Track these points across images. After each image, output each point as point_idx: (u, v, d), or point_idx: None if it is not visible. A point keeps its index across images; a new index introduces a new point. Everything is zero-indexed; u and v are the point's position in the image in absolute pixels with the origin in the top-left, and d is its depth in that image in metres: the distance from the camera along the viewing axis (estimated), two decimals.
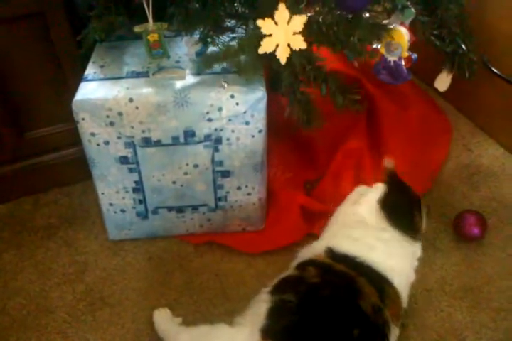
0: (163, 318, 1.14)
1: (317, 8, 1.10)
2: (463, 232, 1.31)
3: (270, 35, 1.02)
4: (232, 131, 1.14)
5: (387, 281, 1.02)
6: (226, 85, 1.08)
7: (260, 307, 0.98)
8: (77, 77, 1.14)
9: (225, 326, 0.99)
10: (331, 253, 1.04)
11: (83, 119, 1.09)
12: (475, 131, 1.64)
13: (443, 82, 1.32)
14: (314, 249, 1.08)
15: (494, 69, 1.46)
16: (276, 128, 1.32)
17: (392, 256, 1.04)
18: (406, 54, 1.20)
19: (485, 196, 1.44)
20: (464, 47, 1.29)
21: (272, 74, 1.31)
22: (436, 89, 1.39)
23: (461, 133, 1.63)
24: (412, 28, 1.23)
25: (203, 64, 1.08)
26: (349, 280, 1.00)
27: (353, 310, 0.96)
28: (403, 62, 1.22)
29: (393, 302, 1.02)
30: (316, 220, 1.34)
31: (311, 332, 0.93)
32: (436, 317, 1.17)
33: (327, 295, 0.97)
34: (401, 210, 1.08)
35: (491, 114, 1.60)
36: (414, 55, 1.21)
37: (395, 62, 1.22)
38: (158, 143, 1.14)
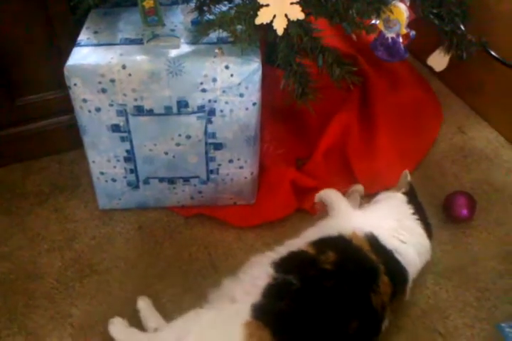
0: (119, 330, 1.07)
1: None
2: (452, 213, 1.32)
3: (267, 5, 1.01)
4: (226, 103, 1.14)
5: (406, 280, 1.07)
6: (218, 51, 1.07)
7: (260, 278, 0.97)
8: (71, 43, 1.12)
9: (199, 313, 0.96)
10: (372, 240, 1.05)
11: (75, 85, 1.08)
12: (470, 114, 1.64)
13: (439, 61, 1.32)
14: (351, 222, 1.09)
15: (492, 52, 1.45)
16: (272, 105, 1.31)
17: (416, 254, 1.10)
18: (404, 31, 1.19)
19: (476, 178, 1.44)
20: (462, 27, 1.28)
21: (269, 48, 1.30)
22: (433, 70, 1.38)
23: (456, 115, 1.63)
24: (412, 5, 1.22)
25: (198, 32, 1.07)
26: (372, 273, 1.01)
27: (359, 304, 0.97)
28: (401, 40, 1.21)
29: (399, 300, 1.06)
30: (306, 196, 1.34)
31: (304, 322, 0.92)
32: (421, 294, 1.18)
33: (331, 286, 0.97)
34: (423, 215, 1.17)
35: (486, 97, 1.59)
36: (413, 33, 1.20)
37: (392, 38, 1.21)
38: (150, 112, 1.13)
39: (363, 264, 1.02)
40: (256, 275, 0.98)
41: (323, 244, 1.04)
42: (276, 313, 0.92)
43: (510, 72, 1.42)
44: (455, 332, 1.12)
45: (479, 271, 1.23)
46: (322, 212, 1.27)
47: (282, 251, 1.04)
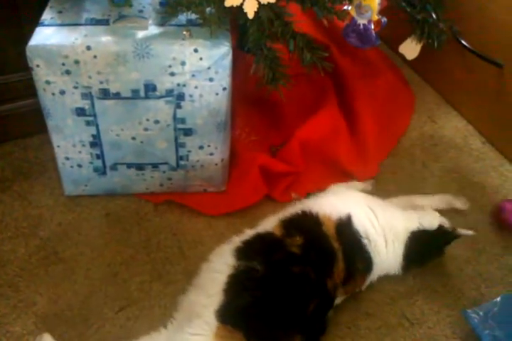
0: None
1: None
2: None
3: None
4: (196, 88, 1.12)
5: (368, 268, 1.09)
6: (186, 33, 1.04)
7: (220, 272, 0.95)
8: (35, 23, 1.08)
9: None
10: (341, 225, 1.06)
11: (38, 66, 1.05)
12: (441, 103, 1.65)
13: (410, 49, 1.31)
14: (324, 205, 1.10)
15: (463, 41, 1.46)
16: (245, 91, 1.29)
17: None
18: (376, 17, 1.18)
19: (445, 167, 1.46)
20: (434, 16, 1.28)
21: (240, 33, 1.28)
22: (404, 59, 1.38)
23: (426, 104, 1.64)
24: None
25: (166, 13, 1.04)
26: (330, 260, 1.02)
27: (318, 287, 0.99)
28: (372, 26, 1.20)
29: (354, 284, 1.08)
30: (276, 183, 1.34)
31: (270, 311, 0.92)
32: (388, 281, 1.18)
33: (297, 272, 0.97)
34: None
35: (456, 86, 1.61)
36: (384, 19, 1.20)
37: (364, 25, 1.20)
38: (117, 96, 1.10)
39: (324, 251, 1.04)
40: (217, 270, 0.97)
41: (292, 225, 1.05)
42: (242, 309, 0.90)
43: (480, 61, 1.43)
44: (422, 318, 1.13)
45: (446, 258, 1.24)
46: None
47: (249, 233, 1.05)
